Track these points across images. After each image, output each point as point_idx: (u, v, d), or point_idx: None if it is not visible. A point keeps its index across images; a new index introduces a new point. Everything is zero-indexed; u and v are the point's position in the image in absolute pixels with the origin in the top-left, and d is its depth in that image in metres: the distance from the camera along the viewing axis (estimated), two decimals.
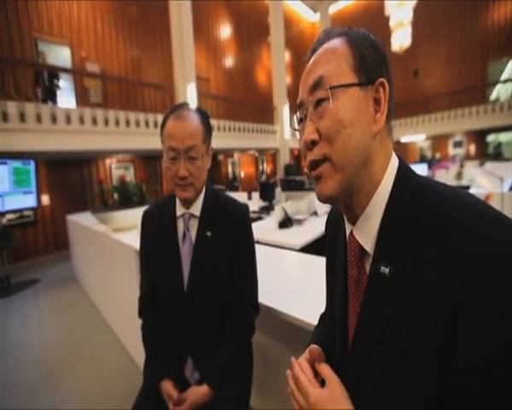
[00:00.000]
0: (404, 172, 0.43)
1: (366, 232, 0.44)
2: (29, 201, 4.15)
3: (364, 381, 0.42)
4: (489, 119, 8.72)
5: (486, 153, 9.37)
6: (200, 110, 0.88)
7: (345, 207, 0.47)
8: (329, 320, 0.56)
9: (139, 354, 1.90)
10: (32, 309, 3.20)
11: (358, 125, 0.40)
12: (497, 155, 8.28)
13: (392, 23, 6.75)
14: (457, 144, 10.34)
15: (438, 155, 10.53)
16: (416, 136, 10.23)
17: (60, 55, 5.66)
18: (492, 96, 9.66)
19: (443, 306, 0.33)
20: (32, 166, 4.14)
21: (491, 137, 9.72)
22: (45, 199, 5.36)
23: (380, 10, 7.47)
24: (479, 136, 9.77)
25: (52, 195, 5.49)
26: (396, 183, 0.42)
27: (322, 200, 0.44)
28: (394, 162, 0.44)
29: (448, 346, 0.33)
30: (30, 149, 3.97)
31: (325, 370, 0.45)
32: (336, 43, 0.43)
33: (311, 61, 0.45)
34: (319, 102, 0.42)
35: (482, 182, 3.58)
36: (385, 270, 0.40)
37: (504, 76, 9.40)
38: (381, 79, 0.42)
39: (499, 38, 9.04)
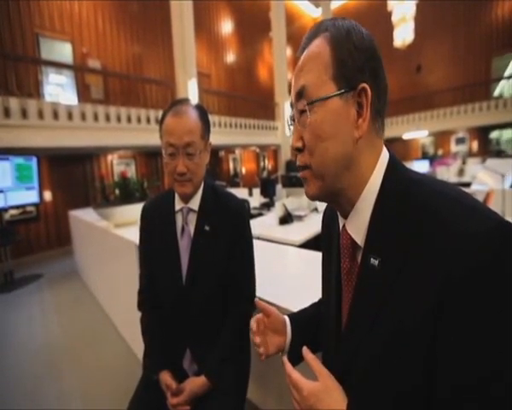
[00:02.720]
0: (393, 168, 0.44)
1: (357, 226, 0.45)
2: (31, 197, 4.19)
3: (355, 368, 0.43)
4: (492, 115, 8.61)
5: (489, 150, 9.30)
6: (198, 106, 0.89)
7: (335, 204, 0.48)
8: (324, 311, 0.58)
9: (139, 347, 1.93)
10: (35, 303, 3.24)
11: (337, 136, 0.41)
12: (500, 152, 8.21)
13: (394, 18, 6.68)
14: (460, 141, 10.25)
15: (440, 152, 10.45)
16: (418, 132, 10.15)
17: (61, 52, 5.67)
18: (496, 93, 9.54)
19: (428, 299, 0.34)
20: (34, 162, 4.17)
21: (494, 134, 9.63)
22: (47, 195, 5.40)
23: (382, 5, 7.39)
24: (482, 132, 9.66)
25: (54, 191, 5.53)
26: (385, 178, 0.43)
27: (309, 199, 0.47)
28: (384, 158, 0.44)
29: (433, 337, 0.34)
30: (32, 145, 3.99)
31: (315, 364, 0.45)
32: (319, 46, 0.43)
33: (299, 63, 0.46)
34: (302, 112, 0.44)
35: (484, 179, 3.56)
36: (374, 262, 0.41)
37: (508, 72, 9.26)
38: (363, 85, 0.40)
39: (503, 33, 8.91)
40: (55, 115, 4.23)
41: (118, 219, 2.26)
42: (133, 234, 1.91)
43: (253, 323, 0.63)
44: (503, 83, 9.38)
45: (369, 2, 11.41)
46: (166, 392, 0.83)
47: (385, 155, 0.45)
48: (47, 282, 3.94)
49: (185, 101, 0.88)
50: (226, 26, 9.54)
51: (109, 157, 6.42)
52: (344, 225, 0.48)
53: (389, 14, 6.81)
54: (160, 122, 0.86)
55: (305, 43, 0.46)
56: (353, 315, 0.45)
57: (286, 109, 9.43)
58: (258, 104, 9.29)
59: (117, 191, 2.44)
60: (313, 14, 12.99)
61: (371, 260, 0.41)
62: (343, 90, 0.41)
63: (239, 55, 10.05)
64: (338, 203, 0.47)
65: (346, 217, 0.47)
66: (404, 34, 6.53)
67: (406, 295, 0.36)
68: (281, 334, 0.63)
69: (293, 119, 0.48)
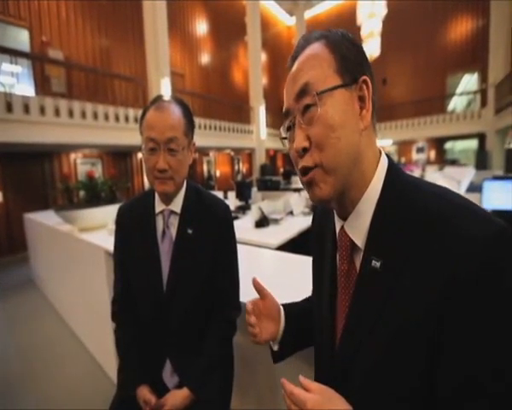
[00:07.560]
0: (393, 171, 0.44)
1: (357, 228, 0.45)
2: None
3: (354, 372, 0.43)
4: (447, 127, 9.54)
5: (444, 159, 10.26)
6: (182, 103, 0.84)
7: (337, 204, 0.47)
8: (315, 311, 0.57)
9: (109, 362, 1.78)
10: None
11: (347, 125, 0.41)
12: (454, 161, 9.09)
13: (363, 33, 7.09)
14: (420, 150, 11.16)
15: (403, 160, 11.29)
16: (383, 141, 10.85)
17: (17, 38, 5.17)
18: (450, 107, 10.57)
19: (431, 299, 0.34)
20: None
21: (448, 145, 10.66)
22: None
23: (352, 18, 7.79)
24: (438, 143, 10.64)
25: (6, 191, 4.99)
26: (386, 180, 0.43)
27: (317, 203, 0.45)
28: (384, 161, 0.45)
29: (435, 339, 0.34)
30: None
31: (306, 382, 0.42)
32: (316, 47, 0.44)
33: (293, 69, 0.45)
34: (307, 109, 0.42)
35: (442, 184, 3.90)
36: (376, 264, 0.41)
37: (460, 89, 10.35)
38: (364, 77, 0.43)
39: (456, 54, 9.89)
40: (9, 107, 3.84)
41: (83, 223, 2.09)
42: (101, 239, 1.77)
43: (249, 304, 0.59)
44: (455, 99, 10.43)
45: (339, 14, 11.99)
46: (145, 408, 0.76)
47: (384, 159, 0.46)
48: None
49: (168, 97, 0.83)
50: (201, 27, 9.42)
51: (72, 156, 5.96)
52: (342, 227, 0.47)
53: (358, 29, 7.21)
54: (141, 118, 0.80)
55: (296, 52, 0.46)
56: (353, 317, 0.44)
57: (261, 114, 9.54)
58: (233, 107, 9.29)
59: (82, 193, 2.26)
60: (287, 21, 13.34)
61: (373, 262, 0.41)
62: (348, 82, 0.42)
63: (214, 57, 9.97)
64: (341, 203, 0.46)
65: (344, 219, 0.47)
66: (371, 48, 6.94)
67: (408, 296, 0.36)
68: (275, 321, 0.61)
69: (289, 126, 0.47)
